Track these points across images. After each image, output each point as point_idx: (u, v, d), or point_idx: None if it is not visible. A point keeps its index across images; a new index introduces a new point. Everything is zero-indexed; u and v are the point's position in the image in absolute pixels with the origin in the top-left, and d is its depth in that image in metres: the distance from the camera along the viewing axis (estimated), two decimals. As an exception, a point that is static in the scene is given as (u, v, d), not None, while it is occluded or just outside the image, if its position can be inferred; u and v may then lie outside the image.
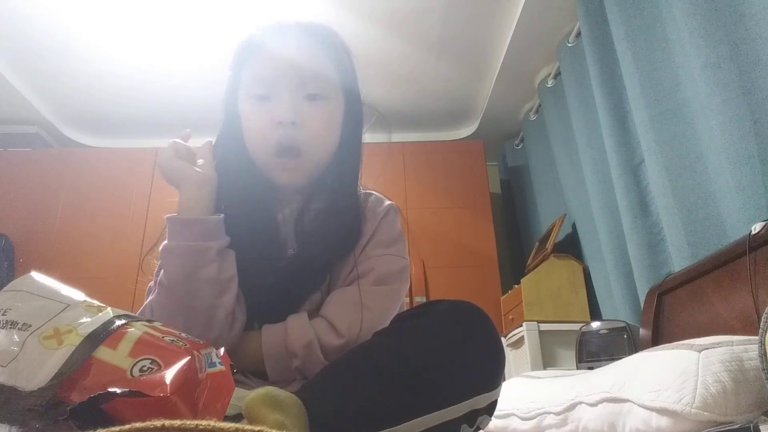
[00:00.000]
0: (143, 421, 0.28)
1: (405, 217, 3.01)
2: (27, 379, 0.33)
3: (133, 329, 0.36)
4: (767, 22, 1.37)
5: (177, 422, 0.28)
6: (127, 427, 0.28)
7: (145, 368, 0.34)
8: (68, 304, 0.38)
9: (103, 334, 0.35)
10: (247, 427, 0.29)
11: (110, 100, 3.14)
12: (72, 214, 3.08)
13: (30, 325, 0.35)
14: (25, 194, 3.11)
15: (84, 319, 0.36)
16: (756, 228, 1.29)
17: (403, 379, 0.58)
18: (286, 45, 0.82)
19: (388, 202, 0.91)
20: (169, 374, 0.33)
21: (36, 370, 0.33)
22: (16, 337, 0.34)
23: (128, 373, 0.33)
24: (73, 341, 0.34)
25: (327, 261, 0.83)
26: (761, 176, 1.37)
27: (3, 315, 0.36)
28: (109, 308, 0.38)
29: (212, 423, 0.29)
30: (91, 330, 0.35)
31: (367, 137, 0.93)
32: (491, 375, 0.66)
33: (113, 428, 0.30)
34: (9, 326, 0.35)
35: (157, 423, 0.28)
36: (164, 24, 2.58)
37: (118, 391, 0.31)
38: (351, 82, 0.87)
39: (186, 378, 0.34)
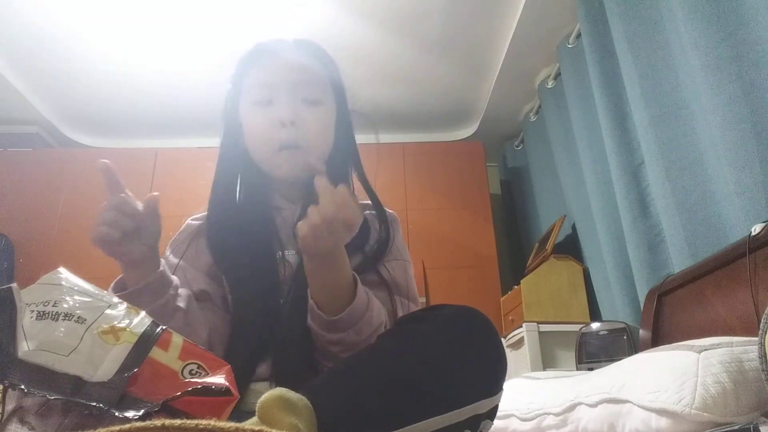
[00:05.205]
0: (200, 418, 0.29)
1: (405, 218, 3.01)
2: (90, 371, 0.33)
3: (175, 335, 0.37)
4: (767, 23, 1.37)
5: (177, 422, 0.28)
6: (127, 426, 0.29)
7: (193, 372, 0.35)
8: (110, 303, 0.39)
9: (154, 336, 0.36)
10: (248, 426, 0.29)
11: (110, 100, 3.14)
12: (72, 214, 3.07)
13: (85, 319, 0.36)
14: (25, 194, 3.11)
15: (129, 319, 0.37)
16: (756, 229, 1.29)
17: (407, 384, 0.60)
18: (285, 55, 0.94)
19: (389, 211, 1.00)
20: (227, 379, 0.34)
21: (98, 362, 0.34)
22: (73, 329, 0.35)
23: (180, 374, 0.34)
24: (129, 339, 0.36)
25: None
26: (761, 177, 1.37)
27: (53, 306, 0.36)
28: (142, 311, 0.39)
29: (212, 422, 0.29)
30: (142, 330, 0.36)
31: (362, 138, 1.02)
32: (493, 380, 0.68)
33: (113, 428, 0.30)
34: (63, 317, 0.36)
35: (158, 422, 0.28)
36: (165, 24, 2.58)
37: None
38: (340, 90, 0.99)
39: (234, 384, 0.35)
